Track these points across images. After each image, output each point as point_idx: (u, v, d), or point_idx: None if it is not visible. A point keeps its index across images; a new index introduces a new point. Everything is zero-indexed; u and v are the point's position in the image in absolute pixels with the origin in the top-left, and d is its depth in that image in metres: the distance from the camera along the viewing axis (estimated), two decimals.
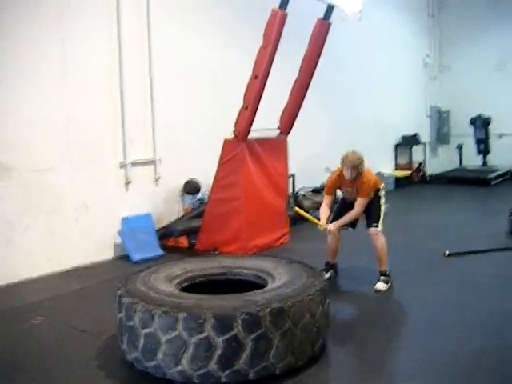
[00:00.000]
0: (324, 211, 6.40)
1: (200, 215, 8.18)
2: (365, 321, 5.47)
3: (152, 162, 8.20)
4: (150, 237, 7.86)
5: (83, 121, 7.30)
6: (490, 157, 15.43)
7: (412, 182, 14.35)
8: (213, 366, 3.89)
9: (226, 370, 3.90)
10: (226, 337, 3.86)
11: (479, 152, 15.45)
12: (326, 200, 6.45)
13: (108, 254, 7.68)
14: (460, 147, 15.67)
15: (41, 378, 4.33)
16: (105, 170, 7.61)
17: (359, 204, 6.23)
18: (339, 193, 6.70)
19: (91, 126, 7.39)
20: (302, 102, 8.16)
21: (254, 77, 7.21)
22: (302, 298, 4.21)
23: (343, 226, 6.35)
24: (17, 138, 6.66)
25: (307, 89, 8.07)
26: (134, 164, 7.92)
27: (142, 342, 4.05)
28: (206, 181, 8.33)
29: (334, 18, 7.85)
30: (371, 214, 6.36)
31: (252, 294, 4.29)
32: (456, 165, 15.82)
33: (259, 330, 3.92)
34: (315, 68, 7.97)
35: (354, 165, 6.08)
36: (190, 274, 4.96)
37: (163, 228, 8.15)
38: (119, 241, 7.70)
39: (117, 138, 7.71)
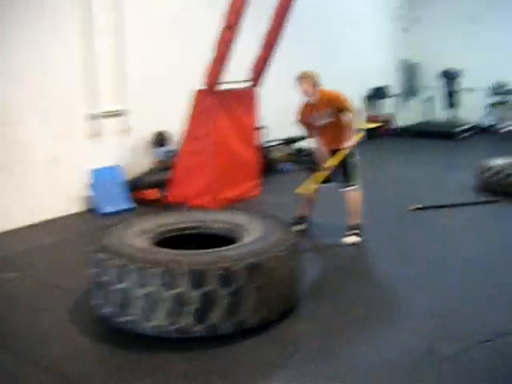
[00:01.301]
0: (317, 147, 6.41)
1: (170, 167, 8.12)
2: (335, 274, 5.54)
3: (122, 114, 8.06)
4: (121, 189, 7.80)
5: (52, 72, 7.13)
6: (458, 110, 15.50)
7: (381, 134, 14.36)
8: (188, 320, 3.92)
9: (200, 324, 3.94)
10: (202, 291, 3.88)
11: (448, 105, 15.51)
12: (308, 131, 6.47)
13: (78, 206, 7.60)
14: (429, 100, 15.70)
15: (13, 335, 4.31)
16: (74, 121, 7.47)
17: (348, 117, 6.21)
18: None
19: (60, 77, 7.23)
20: (273, 53, 8.05)
21: (226, 27, 7.09)
22: (275, 253, 4.23)
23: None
24: None
25: (278, 40, 7.95)
26: (104, 115, 7.78)
27: (116, 297, 4.05)
28: (177, 132, 8.25)
29: None
30: (346, 171, 6.37)
31: (227, 249, 4.29)
32: (425, 118, 15.87)
33: (234, 284, 3.95)
34: (287, 19, 7.84)
35: (304, 75, 6.12)
36: (162, 229, 4.94)
37: (133, 180, 8.07)
38: (89, 193, 7.62)
39: (87, 89, 7.55)
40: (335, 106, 6.18)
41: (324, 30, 12.23)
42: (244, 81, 8.23)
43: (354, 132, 6.31)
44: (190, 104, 7.61)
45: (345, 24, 13.10)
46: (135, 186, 7.98)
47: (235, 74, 7.83)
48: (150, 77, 8.32)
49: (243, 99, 8.09)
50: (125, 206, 7.62)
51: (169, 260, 4.01)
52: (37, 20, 6.92)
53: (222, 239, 4.90)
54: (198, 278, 3.87)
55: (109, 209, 7.45)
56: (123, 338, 4.09)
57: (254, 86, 8.26)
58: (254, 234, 4.62)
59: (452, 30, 15.41)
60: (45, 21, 7.00)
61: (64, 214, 7.38)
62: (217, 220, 5.14)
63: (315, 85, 6.15)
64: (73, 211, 7.51)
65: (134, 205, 7.70)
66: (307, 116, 6.32)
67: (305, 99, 6.30)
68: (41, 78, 7.01)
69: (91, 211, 7.57)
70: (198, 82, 7.55)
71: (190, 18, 8.89)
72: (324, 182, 6.48)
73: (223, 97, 7.66)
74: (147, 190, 7.98)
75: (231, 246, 4.41)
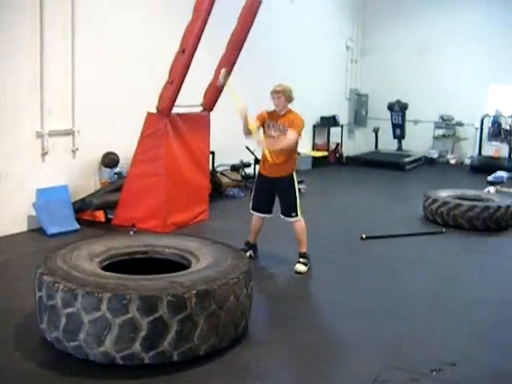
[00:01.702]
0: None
1: (118, 189, 8.00)
2: (285, 302, 5.52)
3: (70, 133, 7.92)
4: (66, 210, 7.62)
5: (0, 87, 6.98)
6: (404, 142, 15.81)
7: (328, 162, 14.53)
8: (137, 347, 3.84)
9: (150, 351, 3.86)
10: (151, 318, 3.81)
11: (395, 137, 15.81)
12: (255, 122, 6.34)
13: (22, 226, 7.39)
14: (376, 131, 15.97)
15: None
16: (21, 139, 7.29)
17: (290, 135, 6.10)
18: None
19: (8, 93, 7.07)
20: None
21: (182, 51, 7.06)
22: (227, 280, 4.21)
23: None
24: None
25: (233, 66, 7.97)
26: (52, 134, 7.62)
27: (63, 321, 3.94)
28: (125, 154, 8.18)
29: None
30: (288, 202, 6.36)
31: (177, 276, 4.24)
32: (371, 148, 16.12)
33: (184, 311, 3.90)
34: (242, 45, 7.88)
35: (281, 90, 6.13)
36: (112, 252, 4.84)
37: (79, 201, 7.91)
38: (33, 213, 7.42)
39: (34, 106, 7.39)
40: (291, 123, 6.17)
41: (277, 58, 12.34)
42: (197, 105, 8.21)
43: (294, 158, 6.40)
44: (142, 126, 7.54)
45: (298, 52, 13.26)
46: (82, 206, 7.82)
47: (188, 98, 7.80)
48: (100, 97, 8.25)
49: (196, 124, 8.05)
50: (70, 227, 7.45)
51: (118, 285, 3.94)
52: None
53: (172, 264, 4.85)
54: (147, 305, 3.80)
55: (54, 229, 7.27)
56: (71, 363, 3.97)
57: (207, 110, 8.24)
58: (205, 261, 4.59)
59: (401, 64, 15.83)
60: None
61: (7, 233, 7.17)
62: (167, 245, 5.07)
63: (287, 100, 6.20)
64: (17, 231, 7.30)
65: (79, 226, 7.54)
66: (268, 119, 6.29)
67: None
68: None
69: (35, 231, 7.37)
70: (150, 105, 7.49)
71: (144, 40, 8.87)
72: (264, 211, 6.50)
73: (176, 121, 7.60)
74: (94, 212, 7.84)
75: (182, 272, 4.37)
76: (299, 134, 6.21)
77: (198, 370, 4.01)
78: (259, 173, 6.59)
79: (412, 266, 6.78)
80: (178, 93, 7.31)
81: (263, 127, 6.35)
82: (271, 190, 6.39)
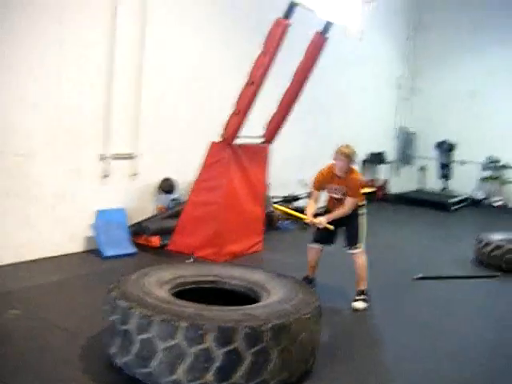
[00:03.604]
0: (310, 205, 6.39)
1: (174, 215, 8.07)
2: (346, 338, 5.47)
3: (132, 157, 8.02)
4: (123, 233, 7.71)
5: (70, 109, 7.11)
6: (450, 182, 15.70)
7: (375, 199, 14.45)
8: (209, 377, 3.82)
9: (222, 382, 3.84)
10: (227, 349, 3.79)
11: (441, 176, 15.70)
12: (314, 195, 6.41)
13: (79, 246, 7.47)
14: (423, 169, 15.89)
15: (15, 375, 4.11)
16: (85, 160, 7.41)
17: (348, 203, 6.20)
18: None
19: (77, 115, 7.21)
20: (289, 113, 8.13)
21: (250, 83, 7.15)
22: (301, 315, 4.19)
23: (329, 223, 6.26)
24: (6, 119, 6.47)
25: (296, 100, 8.04)
26: (114, 157, 7.74)
27: (136, 347, 3.94)
28: (184, 181, 8.24)
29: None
30: (351, 233, 6.36)
31: (252, 308, 4.24)
32: (417, 186, 16.03)
33: (260, 344, 3.87)
34: (306, 80, 7.95)
35: (348, 154, 6.07)
36: (180, 280, 4.86)
37: (136, 225, 7.99)
38: (91, 234, 7.51)
39: (100, 129, 7.52)
40: (349, 188, 6.20)
41: (328, 94, 12.37)
42: (258, 136, 8.26)
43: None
44: (205, 154, 7.61)
45: (349, 89, 13.29)
46: (138, 230, 7.89)
47: (249, 129, 7.86)
48: (163, 123, 8.38)
49: (257, 155, 8.11)
50: (127, 250, 7.52)
51: (194, 314, 3.94)
52: (59, 53, 6.92)
53: (239, 296, 4.86)
54: (224, 336, 3.79)
55: (111, 252, 7.34)
56: None
57: (268, 142, 8.29)
58: (276, 294, 4.57)
59: (450, 103, 15.78)
60: (66, 55, 7.01)
61: (65, 252, 7.25)
62: (234, 276, 5.08)
63: (350, 163, 6.17)
64: (74, 250, 7.38)
65: (135, 250, 7.60)
66: (327, 183, 6.30)
67: (328, 167, 6.30)
68: (55, 113, 6.98)
69: (92, 252, 7.43)
70: (211, 134, 7.57)
71: (212, 70, 9.01)
72: (326, 242, 6.49)
73: (238, 151, 7.67)
74: (150, 236, 7.89)
75: (256, 305, 4.36)
76: (358, 196, 6.27)
77: None
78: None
79: (467, 309, 6.68)
80: (242, 123, 7.37)
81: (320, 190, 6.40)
82: (335, 226, 6.37)
